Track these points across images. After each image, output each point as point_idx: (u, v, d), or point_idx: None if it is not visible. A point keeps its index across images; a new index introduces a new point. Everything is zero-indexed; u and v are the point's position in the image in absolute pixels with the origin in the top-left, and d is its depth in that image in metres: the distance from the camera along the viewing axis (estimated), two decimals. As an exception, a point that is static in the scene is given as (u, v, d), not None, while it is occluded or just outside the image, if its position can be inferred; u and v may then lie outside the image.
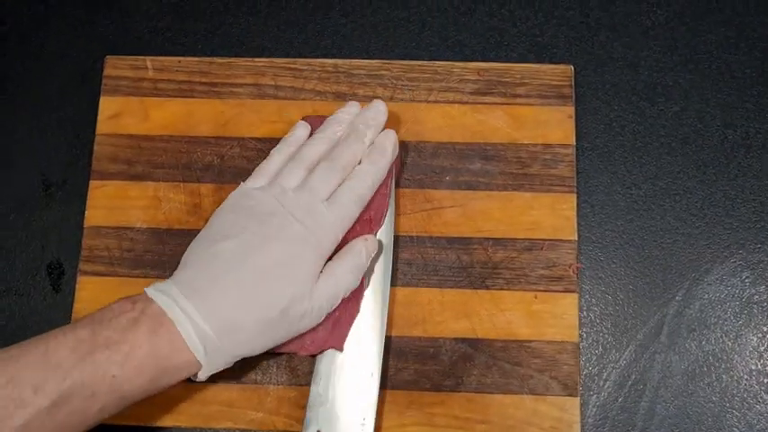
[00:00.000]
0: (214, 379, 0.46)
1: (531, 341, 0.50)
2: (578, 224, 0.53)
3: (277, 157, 0.50)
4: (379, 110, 0.51)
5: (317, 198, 0.47)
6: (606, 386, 0.51)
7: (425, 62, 0.56)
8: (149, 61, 0.57)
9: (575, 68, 0.56)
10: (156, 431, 0.50)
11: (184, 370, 0.44)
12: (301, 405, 0.50)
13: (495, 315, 0.51)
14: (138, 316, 0.43)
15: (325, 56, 0.58)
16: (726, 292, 0.53)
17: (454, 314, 0.51)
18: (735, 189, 0.54)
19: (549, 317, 0.51)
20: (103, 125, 0.56)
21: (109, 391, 0.41)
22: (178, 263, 0.47)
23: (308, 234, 0.46)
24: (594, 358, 0.52)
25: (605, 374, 0.51)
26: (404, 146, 0.54)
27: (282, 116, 0.55)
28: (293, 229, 0.46)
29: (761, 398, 0.51)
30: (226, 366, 0.45)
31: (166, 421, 0.50)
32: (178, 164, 0.55)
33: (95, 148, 0.55)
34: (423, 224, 0.53)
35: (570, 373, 0.50)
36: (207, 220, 0.48)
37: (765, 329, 0.52)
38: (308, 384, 0.49)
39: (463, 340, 0.51)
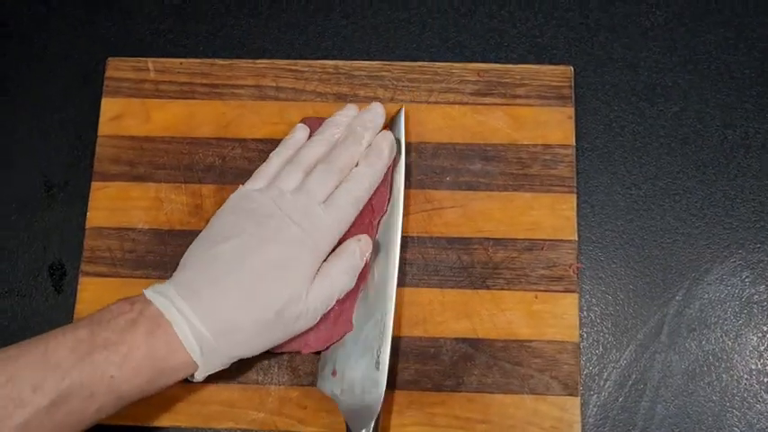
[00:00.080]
0: (212, 379, 0.46)
1: (531, 341, 0.50)
2: (578, 224, 0.53)
3: (276, 159, 0.51)
4: (377, 112, 0.51)
5: (313, 200, 0.48)
6: (607, 386, 0.51)
7: (426, 63, 0.56)
8: (151, 63, 0.57)
9: (574, 69, 0.56)
10: (157, 431, 0.50)
11: (181, 371, 0.44)
12: (303, 405, 0.50)
13: (496, 315, 0.51)
14: (136, 317, 0.43)
15: (325, 57, 0.58)
16: (726, 291, 0.53)
17: (455, 314, 0.51)
18: (734, 189, 0.54)
19: (549, 317, 0.51)
20: (105, 126, 0.56)
21: (107, 391, 0.42)
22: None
23: (304, 236, 0.46)
24: (595, 358, 0.52)
25: (606, 374, 0.51)
26: (406, 146, 0.54)
27: (283, 117, 0.55)
28: (290, 231, 0.46)
29: (761, 397, 0.51)
30: (222, 367, 0.46)
31: (164, 421, 0.50)
32: (180, 165, 0.55)
33: (97, 149, 0.55)
34: (423, 224, 0.53)
35: (571, 372, 0.50)
36: (208, 221, 0.49)
37: (765, 329, 0.52)
38: (310, 385, 0.49)
39: (464, 340, 0.51)
